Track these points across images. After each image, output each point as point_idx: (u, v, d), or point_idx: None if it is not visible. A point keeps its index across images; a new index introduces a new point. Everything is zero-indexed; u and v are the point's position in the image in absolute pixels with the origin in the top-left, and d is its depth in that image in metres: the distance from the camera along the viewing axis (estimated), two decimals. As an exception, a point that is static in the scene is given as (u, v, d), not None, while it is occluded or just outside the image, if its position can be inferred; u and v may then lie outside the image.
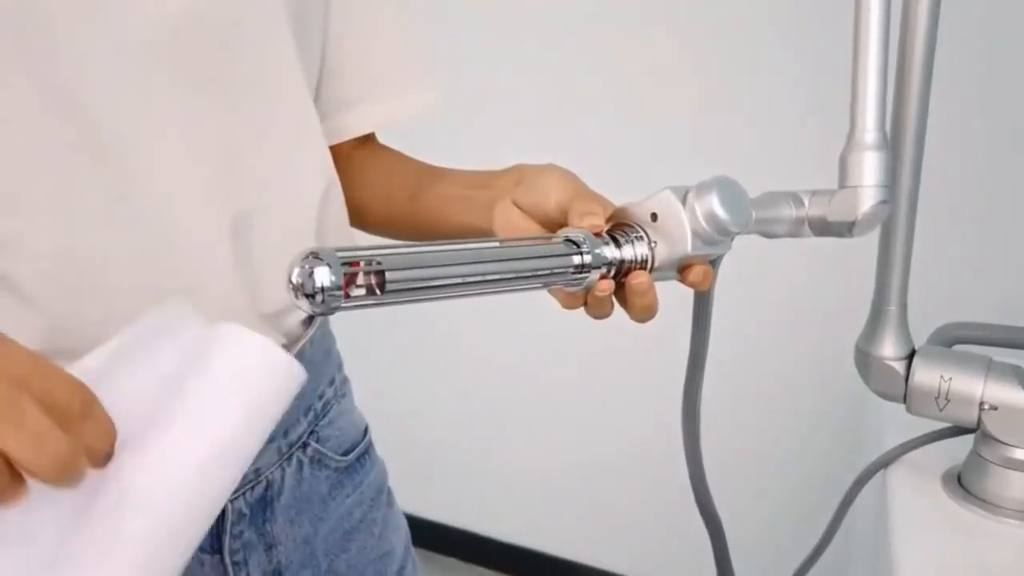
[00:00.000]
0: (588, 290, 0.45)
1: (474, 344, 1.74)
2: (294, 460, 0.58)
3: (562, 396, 1.69)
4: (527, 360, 1.69)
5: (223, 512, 0.52)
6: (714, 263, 0.50)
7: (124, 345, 0.37)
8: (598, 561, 1.79)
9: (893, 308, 0.64)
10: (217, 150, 0.48)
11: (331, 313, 0.35)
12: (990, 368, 0.61)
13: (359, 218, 0.63)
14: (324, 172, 0.55)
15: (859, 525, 0.86)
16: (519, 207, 0.50)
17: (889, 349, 0.64)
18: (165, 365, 0.36)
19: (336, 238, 0.57)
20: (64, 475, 0.31)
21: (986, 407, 0.60)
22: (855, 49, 0.49)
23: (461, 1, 1.52)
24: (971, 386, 0.61)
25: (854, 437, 1.23)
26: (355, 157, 0.63)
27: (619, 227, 0.46)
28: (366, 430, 0.68)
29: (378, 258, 0.36)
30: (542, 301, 0.52)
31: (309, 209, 0.53)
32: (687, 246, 0.44)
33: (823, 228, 0.49)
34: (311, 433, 0.60)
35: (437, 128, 0.67)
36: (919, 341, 0.65)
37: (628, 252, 0.45)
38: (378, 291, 0.36)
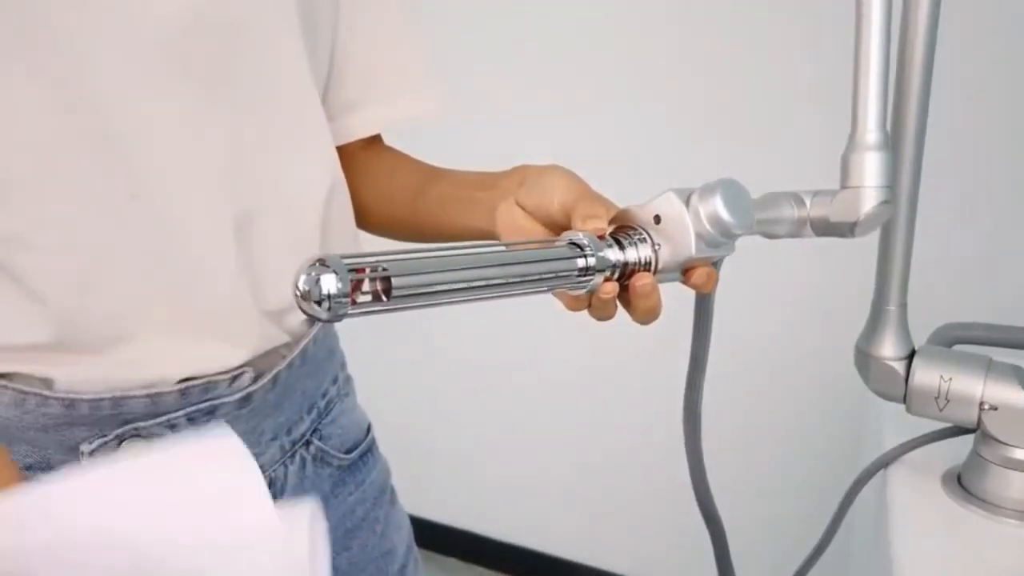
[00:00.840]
0: (592, 293, 0.45)
1: (475, 344, 1.74)
2: (297, 458, 0.58)
3: (563, 396, 1.69)
4: (528, 360, 1.69)
5: None
6: (716, 264, 0.50)
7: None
8: (598, 561, 1.79)
9: (893, 308, 0.64)
10: (223, 149, 0.48)
11: (338, 320, 0.35)
12: (990, 368, 0.61)
13: (363, 219, 0.63)
14: (329, 172, 0.55)
15: (859, 525, 0.86)
16: (522, 208, 0.50)
17: (889, 349, 0.64)
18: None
19: (340, 238, 0.57)
20: None
21: (986, 407, 0.60)
22: (856, 49, 0.49)
23: (465, 5, 1.52)
24: (971, 386, 0.61)
25: (854, 437, 1.23)
26: (360, 158, 0.63)
27: (622, 229, 0.46)
28: (369, 428, 0.68)
29: (384, 264, 0.36)
30: (544, 302, 0.52)
31: (313, 209, 0.54)
32: (691, 248, 0.44)
33: (825, 228, 0.49)
34: (314, 431, 0.60)
35: (439, 130, 0.67)
36: (919, 341, 0.65)
37: (632, 254, 0.45)
38: (384, 297, 0.36)
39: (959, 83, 1.17)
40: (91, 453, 0.46)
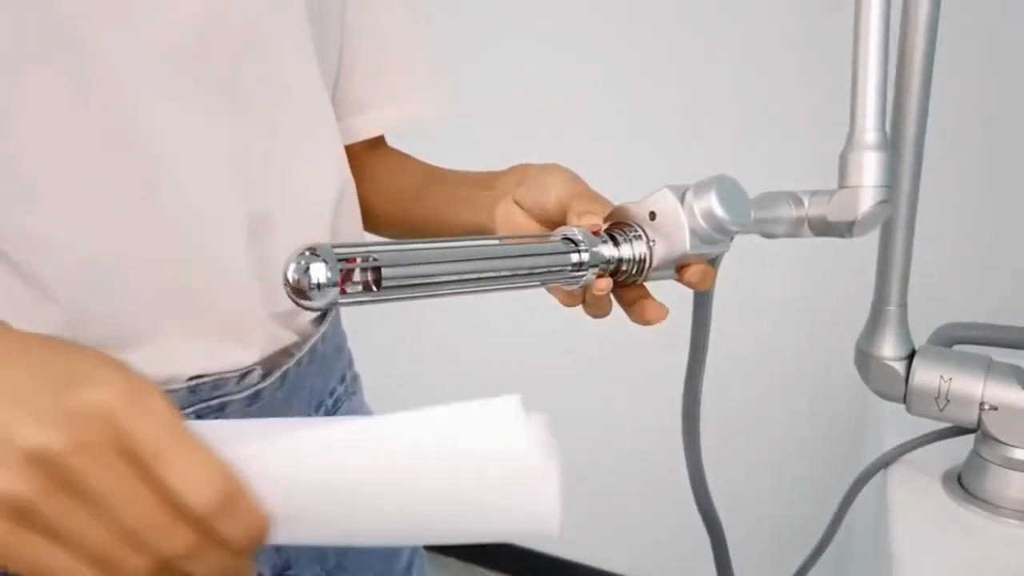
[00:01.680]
0: (586, 288, 0.45)
1: (474, 343, 1.74)
2: None
3: (561, 396, 1.69)
4: (526, 359, 1.69)
5: None
6: (713, 262, 0.50)
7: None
8: (598, 561, 1.79)
9: (893, 308, 0.64)
10: (238, 151, 0.48)
11: (328, 309, 0.35)
12: (990, 368, 0.61)
13: (366, 219, 0.63)
14: (339, 173, 0.56)
15: (859, 525, 0.86)
16: (520, 206, 0.50)
17: (889, 349, 0.64)
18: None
19: (349, 238, 0.57)
20: None
21: (986, 407, 0.60)
22: (855, 48, 0.49)
23: (461, 8, 1.52)
24: (971, 386, 0.61)
25: (854, 437, 1.23)
26: (364, 159, 0.63)
27: (618, 226, 0.46)
28: None
29: (375, 254, 0.36)
30: (543, 300, 0.52)
31: (324, 210, 0.54)
32: (685, 245, 0.44)
33: (823, 228, 0.49)
34: None
35: (439, 129, 0.67)
36: (919, 341, 0.65)
37: (626, 251, 0.45)
38: (375, 287, 0.36)
39: (959, 83, 1.17)
40: None
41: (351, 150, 0.61)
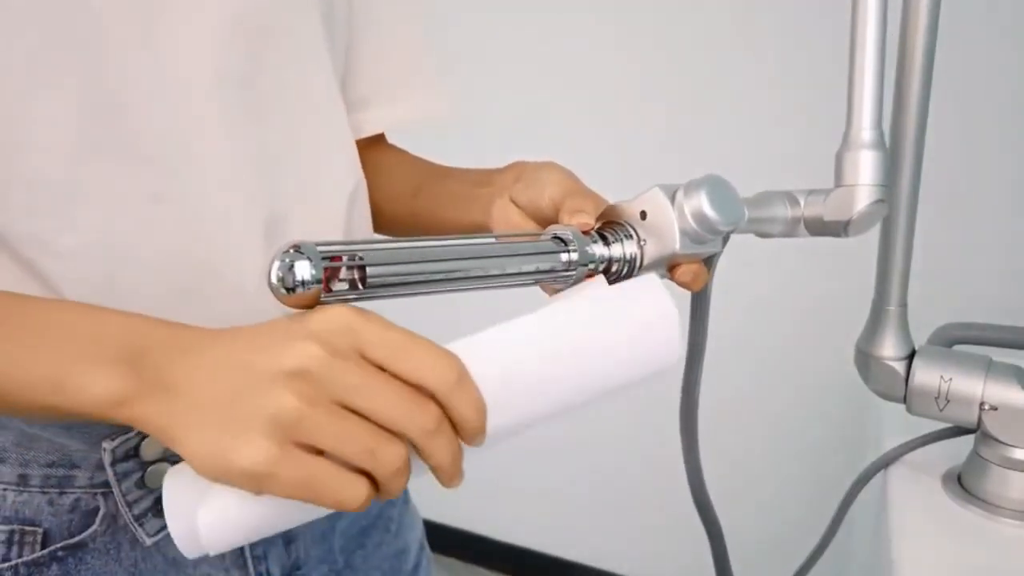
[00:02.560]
0: None
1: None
2: None
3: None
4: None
5: None
6: (710, 263, 0.50)
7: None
8: (598, 561, 1.79)
9: (893, 308, 0.64)
10: (255, 152, 0.48)
11: (312, 307, 0.35)
12: (990, 368, 0.61)
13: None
14: (353, 172, 0.56)
15: (859, 525, 0.86)
16: (516, 204, 0.50)
17: (889, 349, 0.64)
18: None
19: (361, 237, 0.57)
20: (456, 473, 0.37)
21: (986, 407, 0.60)
22: (852, 46, 0.49)
23: (462, 7, 1.52)
24: (971, 386, 0.61)
25: (854, 437, 1.22)
26: (364, 157, 0.63)
27: (610, 225, 0.46)
28: None
29: (360, 252, 0.36)
30: (537, 300, 0.52)
31: (338, 209, 0.54)
32: (675, 245, 0.44)
33: (819, 228, 0.49)
34: None
35: (442, 129, 0.67)
36: (919, 341, 0.65)
37: (616, 250, 0.45)
38: (360, 286, 0.36)
39: (959, 83, 1.17)
40: (113, 450, 0.46)
41: None
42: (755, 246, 0.60)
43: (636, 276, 0.45)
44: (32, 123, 0.42)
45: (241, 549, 0.53)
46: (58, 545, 0.46)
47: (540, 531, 1.83)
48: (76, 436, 0.46)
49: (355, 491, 0.34)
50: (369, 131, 0.62)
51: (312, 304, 0.35)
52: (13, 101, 0.41)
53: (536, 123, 1.54)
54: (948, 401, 0.61)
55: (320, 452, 0.34)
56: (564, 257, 0.43)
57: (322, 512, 0.38)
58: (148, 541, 0.48)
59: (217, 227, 0.47)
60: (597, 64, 1.50)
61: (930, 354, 0.63)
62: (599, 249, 0.44)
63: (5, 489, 0.46)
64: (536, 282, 0.44)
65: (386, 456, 0.34)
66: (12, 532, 0.46)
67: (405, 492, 0.70)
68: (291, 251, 0.35)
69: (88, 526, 0.47)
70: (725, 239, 0.50)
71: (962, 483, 0.64)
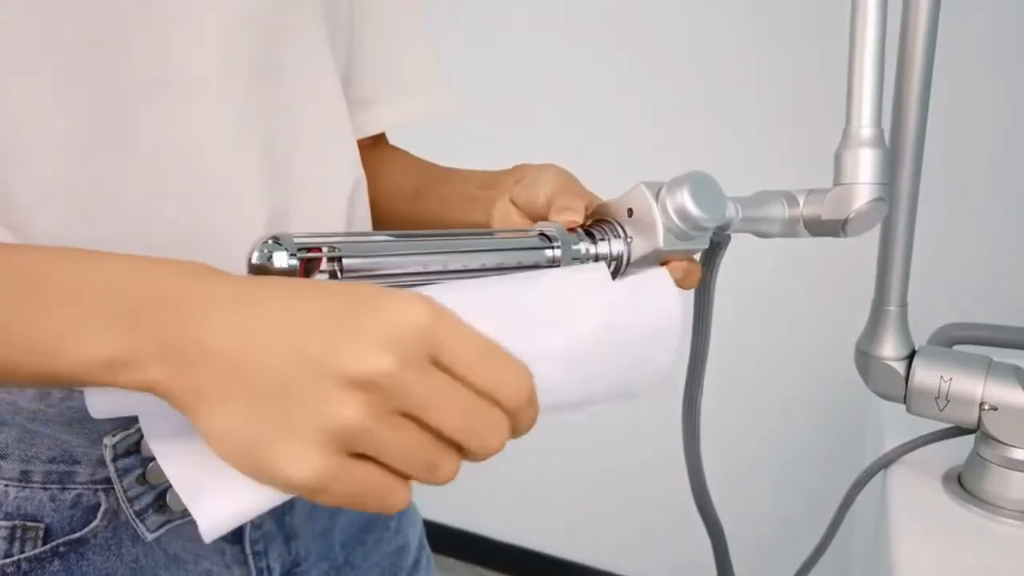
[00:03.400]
0: None
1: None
2: None
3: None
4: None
5: None
6: (713, 262, 0.50)
7: None
8: (597, 561, 1.79)
9: (893, 308, 0.64)
10: (259, 151, 0.48)
11: None
12: (990, 368, 0.61)
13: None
14: (354, 169, 0.56)
15: (859, 525, 0.86)
16: (515, 204, 0.50)
17: (889, 349, 0.64)
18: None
19: None
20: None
21: (986, 407, 0.60)
22: (851, 45, 0.49)
23: (463, 7, 1.53)
24: (971, 386, 0.61)
25: (854, 437, 1.22)
26: (365, 156, 0.63)
27: (599, 223, 0.47)
28: None
29: (338, 245, 0.37)
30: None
31: (339, 207, 0.54)
32: (659, 241, 0.44)
33: (818, 227, 0.49)
34: None
35: (439, 129, 0.67)
36: (919, 341, 0.65)
37: (603, 247, 0.45)
38: (339, 276, 0.37)
39: (960, 83, 1.17)
40: (114, 446, 0.46)
41: None
42: (755, 246, 0.60)
43: (630, 272, 0.45)
44: (37, 119, 0.42)
45: (242, 546, 0.53)
46: (60, 541, 0.47)
47: (540, 531, 1.83)
48: (77, 432, 0.46)
49: (402, 498, 0.32)
50: (374, 129, 0.62)
51: None
52: (16, 95, 0.41)
53: (536, 123, 1.54)
54: (948, 401, 0.61)
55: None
56: (548, 253, 0.43)
57: None
58: (149, 537, 0.48)
59: (221, 225, 0.47)
60: (597, 64, 1.50)
61: (930, 354, 0.63)
62: (585, 246, 0.45)
63: (7, 485, 0.46)
64: None
65: (444, 471, 0.32)
66: (14, 528, 0.46)
67: None
68: (269, 242, 0.35)
69: (89, 522, 0.47)
70: (726, 239, 0.50)
71: (962, 483, 0.64)
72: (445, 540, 1.90)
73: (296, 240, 0.35)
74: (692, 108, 1.45)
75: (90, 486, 0.47)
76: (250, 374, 0.31)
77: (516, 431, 0.34)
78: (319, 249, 0.36)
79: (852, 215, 0.48)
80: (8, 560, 0.46)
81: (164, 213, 0.45)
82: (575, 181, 0.49)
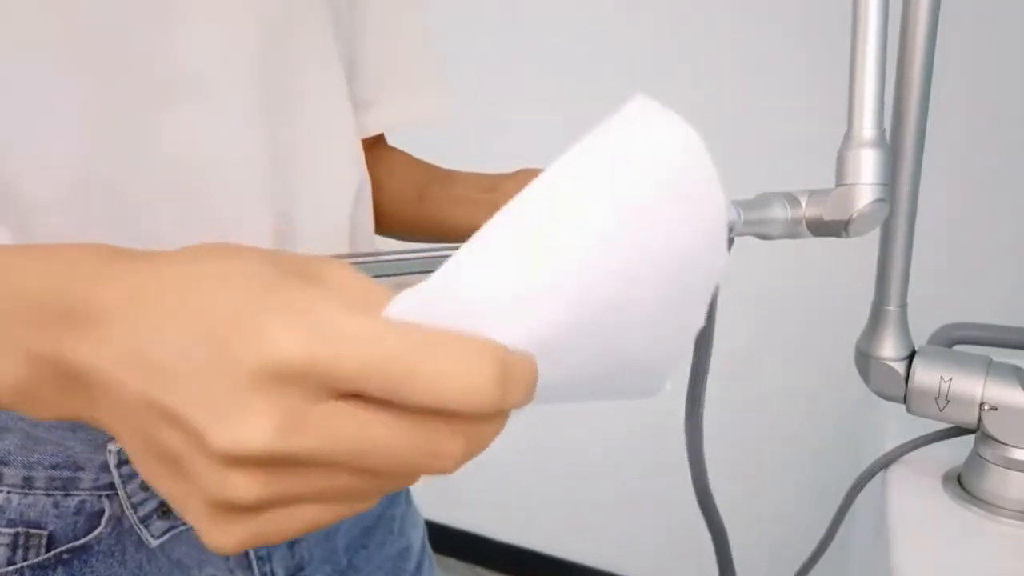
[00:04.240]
0: None
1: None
2: None
3: (562, 396, 1.69)
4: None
5: None
6: None
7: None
8: (597, 561, 1.79)
9: (893, 308, 0.64)
10: (266, 152, 0.48)
11: None
12: (990, 368, 0.61)
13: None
14: (358, 170, 0.56)
15: (859, 526, 0.86)
16: None
17: (889, 349, 0.64)
18: None
19: (364, 236, 0.57)
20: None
21: (986, 407, 0.60)
22: (853, 45, 0.49)
23: (462, 8, 1.52)
24: (971, 386, 0.61)
25: (854, 437, 1.23)
26: (366, 158, 0.63)
27: None
28: None
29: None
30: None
31: (343, 207, 0.54)
32: None
33: (820, 228, 0.49)
34: None
35: (439, 129, 0.67)
36: (919, 341, 0.65)
37: None
38: None
39: (960, 83, 1.17)
40: (118, 452, 0.46)
41: None
42: (755, 247, 0.60)
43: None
44: (47, 117, 0.42)
45: (246, 551, 0.53)
46: (63, 548, 0.47)
47: (540, 531, 1.83)
48: (80, 438, 0.46)
49: (363, 505, 0.27)
50: (375, 129, 0.62)
51: None
52: (26, 94, 0.41)
53: (536, 123, 1.54)
54: (948, 401, 0.62)
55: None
56: None
57: None
58: (153, 543, 0.48)
59: (228, 227, 0.47)
60: (597, 64, 1.50)
61: (930, 354, 0.63)
62: None
63: (10, 492, 0.46)
64: None
65: (408, 483, 0.27)
66: (17, 535, 0.46)
67: (407, 492, 0.70)
68: None
69: (93, 528, 0.47)
70: (729, 243, 0.50)
71: (962, 483, 0.65)
72: (445, 540, 1.90)
73: None
74: (692, 108, 1.45)
75: (93, 492, 0.47)
76: (139, 430, 0.26)
77: (504, 414, 0.27)
78: None
79: (855, 216, 0.48)
80: (11, 568, 0.45)
81: (170, 213, 0.45)
82: None
